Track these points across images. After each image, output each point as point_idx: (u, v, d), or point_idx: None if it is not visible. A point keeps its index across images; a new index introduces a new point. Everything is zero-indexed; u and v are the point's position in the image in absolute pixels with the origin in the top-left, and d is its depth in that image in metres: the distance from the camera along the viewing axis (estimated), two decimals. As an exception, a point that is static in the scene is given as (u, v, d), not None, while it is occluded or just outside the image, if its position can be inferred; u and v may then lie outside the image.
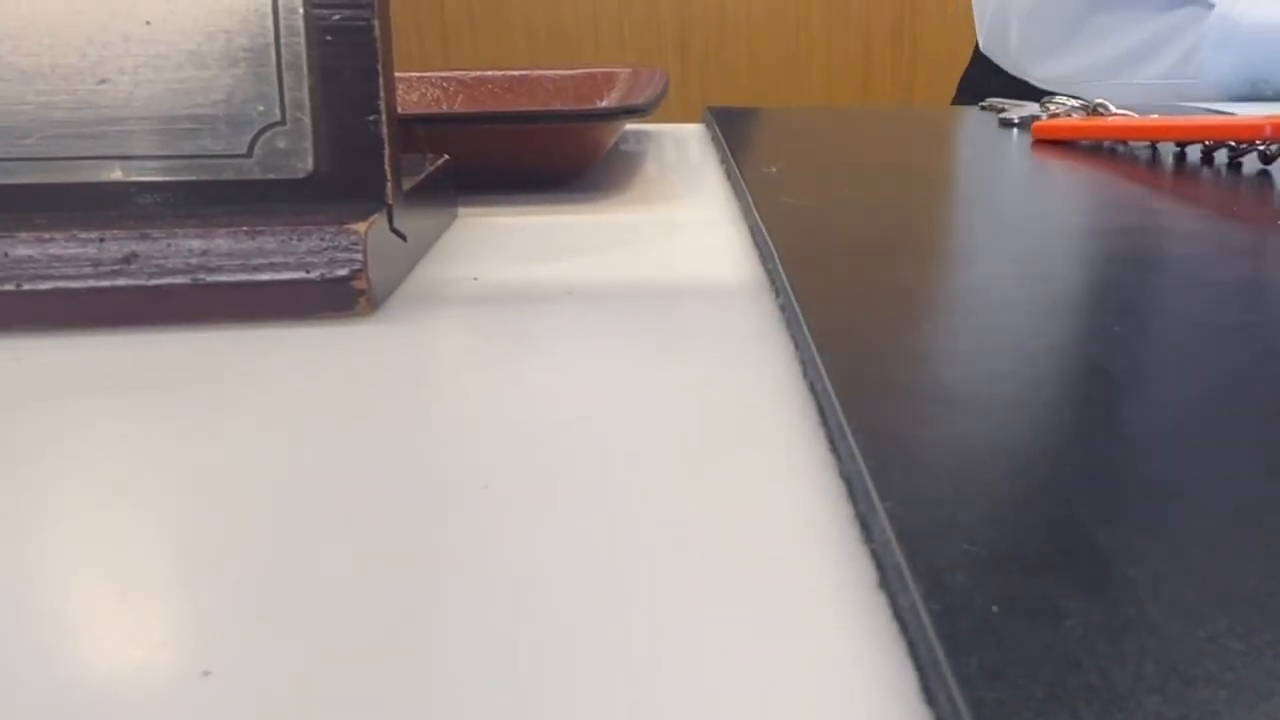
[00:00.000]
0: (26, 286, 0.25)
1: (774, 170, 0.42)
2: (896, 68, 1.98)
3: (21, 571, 0.15)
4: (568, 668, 0.13)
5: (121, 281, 0.25)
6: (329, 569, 0.15)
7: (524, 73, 0.57)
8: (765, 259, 0.30)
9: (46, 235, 0.25)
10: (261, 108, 0.27)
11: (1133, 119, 0.49)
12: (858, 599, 0.14)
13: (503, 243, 0.35)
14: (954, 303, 0.25)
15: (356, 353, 0.24)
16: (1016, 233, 0.33)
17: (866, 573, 0.14)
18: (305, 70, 0.27)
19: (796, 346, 0.23)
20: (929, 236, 0.33)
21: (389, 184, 0.28)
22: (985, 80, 0.94)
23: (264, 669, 0.13)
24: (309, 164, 0.27)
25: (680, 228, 0.38)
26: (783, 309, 0.26)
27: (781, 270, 0.26)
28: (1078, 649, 0.11)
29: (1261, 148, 0.42)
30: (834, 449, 0.18)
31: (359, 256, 0.26)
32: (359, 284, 0.26)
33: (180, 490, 0.18)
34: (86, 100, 0.27)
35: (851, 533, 0.16)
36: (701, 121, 0.64)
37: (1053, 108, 0.55)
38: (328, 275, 0.26)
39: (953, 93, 1.07)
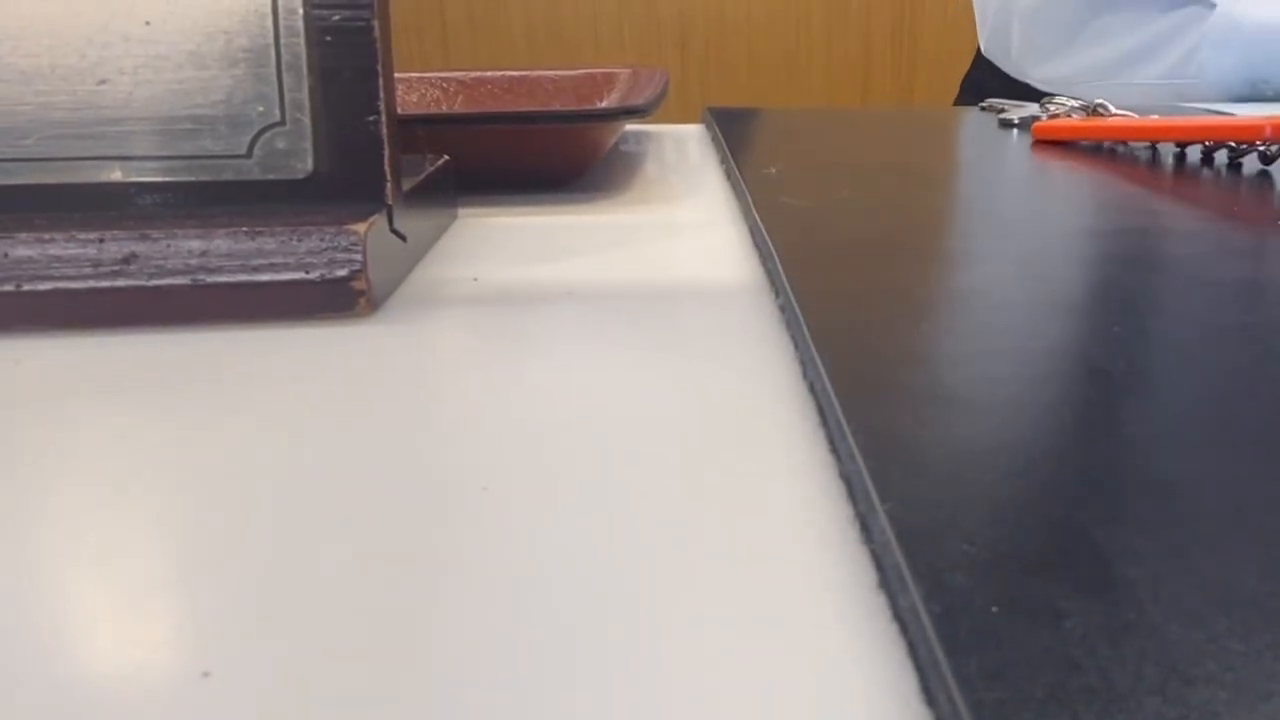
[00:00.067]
0: (26, 287, 0.25)
1: (774, 171, 0.42)
2: (896, 68, 1.98)
3: (21, 572, 0.15)
4: (568, 669, 0.13)
5: (121, 282, 0.25)
6: (329, 570, 0.15)
7: (524, 73, 0.57)
8: (765, 259, 0.30)
9: (46, 236, 0.25)
10: (261, 108, 0.27)
11: (1133, 120, 0.49)
12: (857, 600, 0.14)
13: (502, 243, 0.35)
14: (954, 303, 0.25)
15: (356, 353, 0.24)
16: (1016, 233, 0.33)
17: (866, 573, 0.14)
18: (305, 71, 0.27)
19: (796, 347, 0.23)
20: (929, 237, 0.33)
21: (389, 184, 0.28)
22: (988, 81, 0.94)
23: (264, 670, 0.13)
24: (309, 164, 0.27)
25: (680, 228, 0.38)
26: (782, 309, 0.26)
27: (781, 271, 0.26)
28: (1078, 650, 0.11)
29: (1261, 148, 0.42)
30: (834, 449, 0.18)
31: (359, 257, 0.26)
32: (358, 285, 0.26)
33: (180, 491, 0.18)
34: (86, 101, 0.27)
35: (851, 533, 0.16)
36: (701, 122, 0.64)
37: (1053, 108, 0.55)
38: (327, 276, 0.26)
39: (952, 93, 1.07)
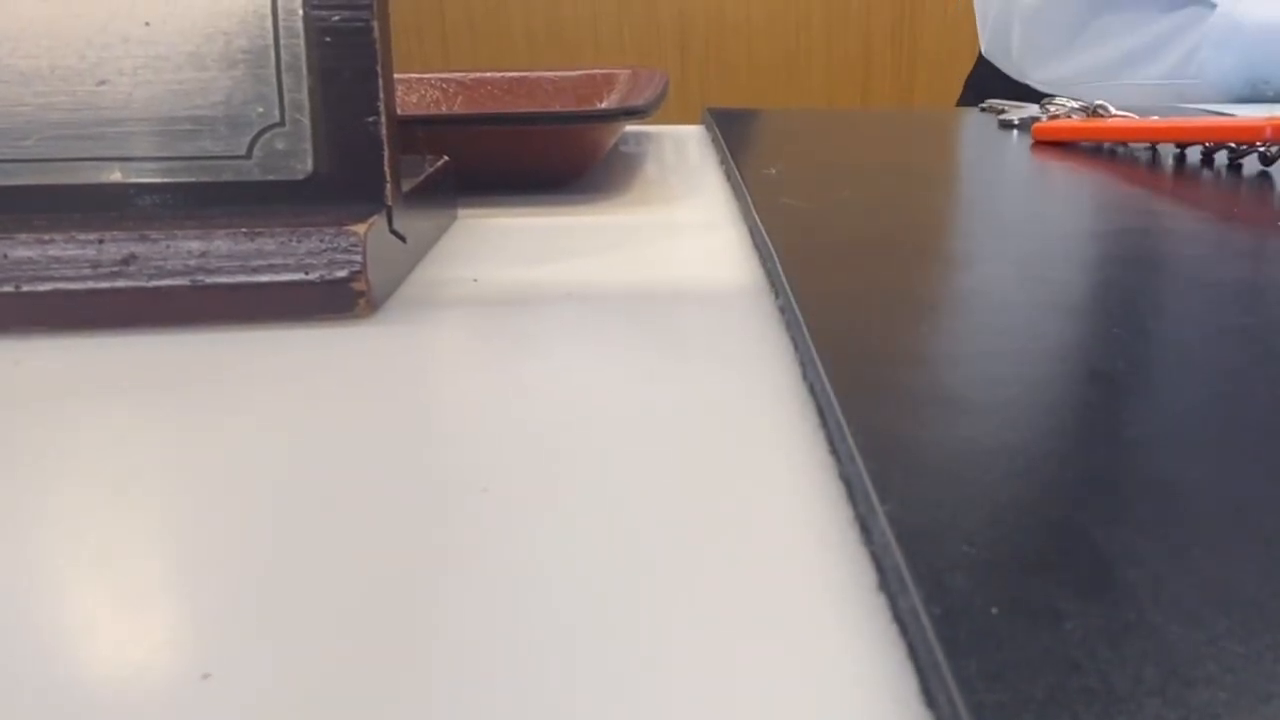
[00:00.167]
0: (25, 288, 0.25)
1: (774, 171, 0.42)
2: (896, 68, 1.98)
3: (21, 573, 0.15)
4: (568, 670, 0.13)
5: (121, 283, 0.25)
6: (329, 571, 0.15)
7: (523, 74, 0.57)
8: (765, 260, 0.30)
9: (46, 237, 0.25)
10: (261, 109, 0.27)
11: (1133, 120, 0.49)
12: (857, 601, 0.14)
13: (502, 244, 0.35)
14: (954, 304, 0.25)
15: (356, 354, 0.24)
16: (1016, 234, 0.33)
17: (866, 575, 0.14)
18: (304, 71, 0.27)
19: (796, 348, 0.23)
20: (928, 238, 0.33)
21: (388, 185, 0.28)
22: (990, 82, 0.94)
23: (264, 672, 0.13)
24: (308, 165, 0.27)
25: (680, 229, 0.38)
26: (782, 310, 0.26)
27: (781, 271, 0.26)
28: (1078, 651, 0.11)
29: (1261, 149, 0.42)
30: (833, 451, 0.18)
31: (358, 258, 0.26)
32: (358, 285, 0.26)
33: (180, 492, 0.18)
34: (86, 102, 0.27)
35: (851, 535, 0.16)
36: (701, 123, 0.64)
37: (1053, 109, 0.55)
38: (327, 277, 0.26)
39: (953, 93, 1.07)
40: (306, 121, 0.27)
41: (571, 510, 0.17)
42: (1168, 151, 0.46)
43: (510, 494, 0.17)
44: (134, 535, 0.16)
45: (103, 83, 0.27)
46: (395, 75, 0.29)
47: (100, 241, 0.25)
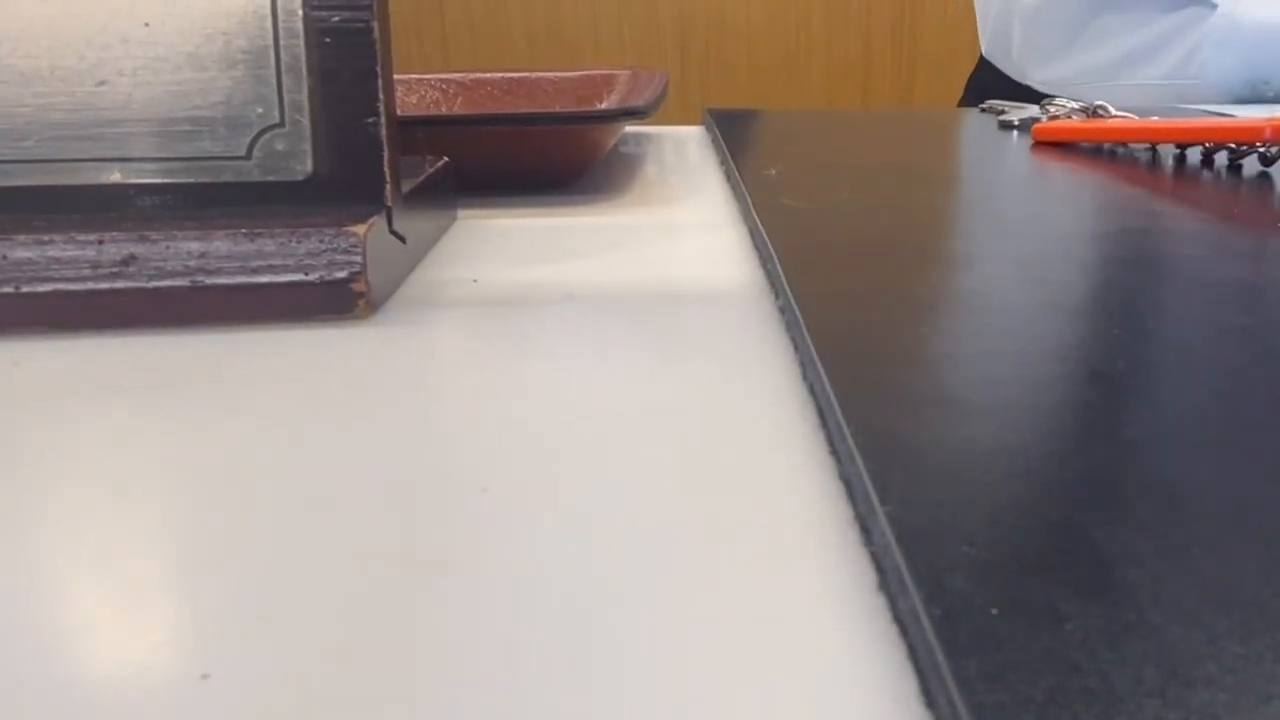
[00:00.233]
0: (25, 289, 0.25)
1: (773, 172, 0.42)
2: (896, 69, 1.98)
3: (21, 573, 0.15)
4: (568, 670, 0.13)
5: (120, 284, 0.25)
6: (328, 572, 0.15)
7: (523, 75, 0.57)
8: (765, 261, 0.30)
9: (45, 237, 0.25)
10: (260, 110, 0.27)
11: (1133, 121, 0.49)
12: (857, 601, 0.14)
13: (502, 245, 0.35)
14: (953, 305, 0.25)
15: (355, 355, 0.24)
16: (1016, 235, 0.33)
17: (866, 575, 0.14)
18: (304, 72, 0.27)
19: (796, 348, 0.23)
20: (928, 239, 0.33)
21: (388, 186, 0.28)
22: (992, 83, 0.94)
23: (263, 672, 0.13)
24: (308, 166, 0.27)
25: (680, 230, 0.38)
26: (782, 311, 0.26)
27: (781, 272, 0.26)
28: (1078, 652, 0.11)
29: (1261, 150, 0.42)
30: (833, 451, 0.18)
31: (358, 259, 0.26)
32: (358, 286, 0.26)
33: (179, 492, 0.18)
34: (85, 102, 0.27)
35: (851, 535, 0.16)
36: (701, 123, 0.64)
37: (1053, 110, 0.55)
38: (327, 277, 0.26)
39: (953, 93, 1.07)
40: (306, 122, 0.27)
41: (571, 510, 0.17)
42: (1168, 152, 0.46)
43: (510, 494, 0.17)
44: (134, 535, 0.16)
45: (102, 83, 0.27)
46: (395, 76, 0.29)
47: (100, 242, 0.25)
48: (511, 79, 0.57)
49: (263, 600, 0.14)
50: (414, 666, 0.13)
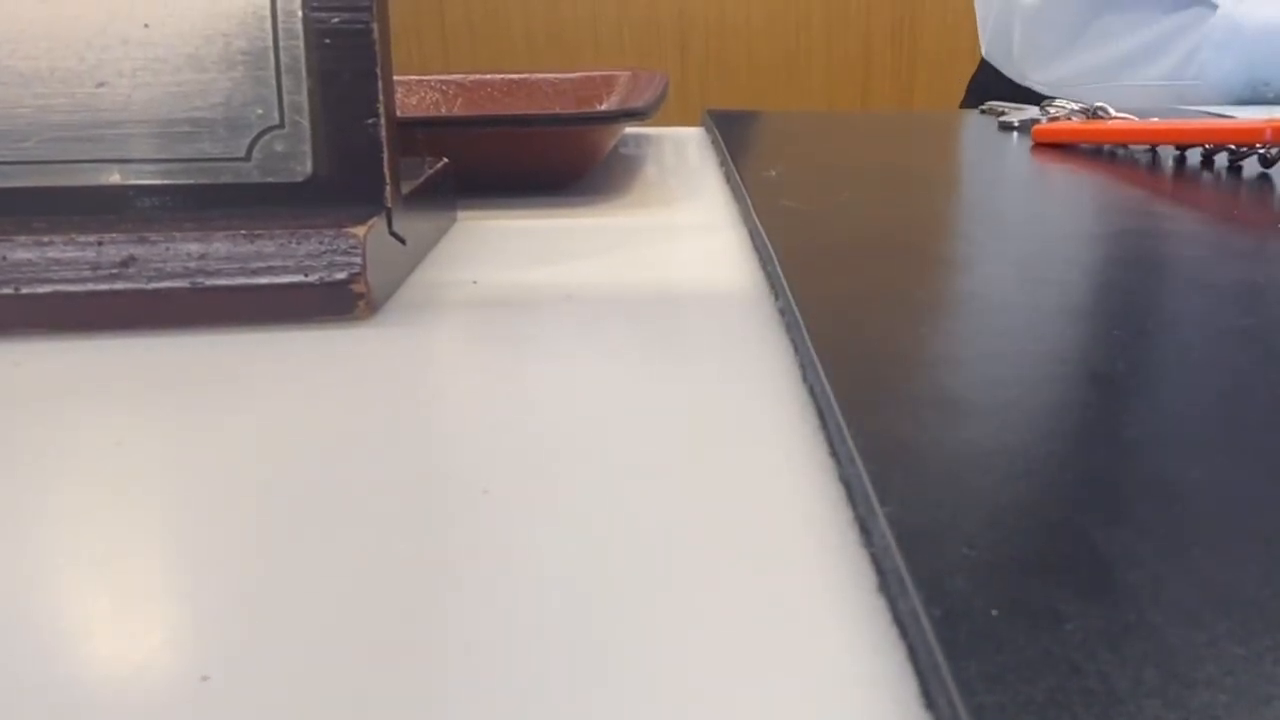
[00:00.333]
0: (25, 290, 0.25)
1: (773, 174, 0.42)
2: (896, 69, 1.98)
3: (20, 575, 0.15)
4: (568, 671, 0.13)
5: (120, 285, 0.25)
6: (328, 573, 0.15)
7: (523, 76, 0.57)
8: (765, 262, 0.30)
9: (45, 238, 0.25)
10: (260, 111, 0.27)
11: (1133, 122, 0.49)
12: (857, 603, 0.14)
13: (502, 246, 0.35)
14: (953, 306, 0.25)
15: (355, 356, 0.24)
16: (1016, 236, 0.33)
17: (866, 577, 0.14)
18: (304, 73, 0.27)
19: (796, 350, 0.23)
20: (928, 240, 0.33)
21: (388, 187, 0.28)
22: (993, 84, 0.94)
23: (263, 674, 0.13)
24: (308, 167, 0.27)
25: (680, 231, 0.38)
26: (782, 312, 0.26)
27: (781, 274, 0.26)
28: (1078, 653, 0.11)
29: (1261, 151, 0.42)
30: (833, 453, 0.18)
31: (358, 260, 0.26)
32: (358, 287, 0.26)
33: (179, 493, 0.18)
34: (85, 103, 0.27)
35: (851, 536, 0.16)
36: (701, 125, 0.64)
37: (1053, 111, 0.55)
38: (326, 279, 0.26)
39: (953, 94, 1.07)
40: (306, 123, 0.27)
41: (572, 512, 0.17)
42: (1168, 153, 0.46)
43: (510, 495, 0.17)
44: (134, 536, 0.16)
45: (102, 85, 0.27)
46: (395, 77, 0.29)
47: (99, 244, 0.25)
48: (511, 80, 0.57)
49: (263, 602, 0.14)
50: (414, 667, 0.13)
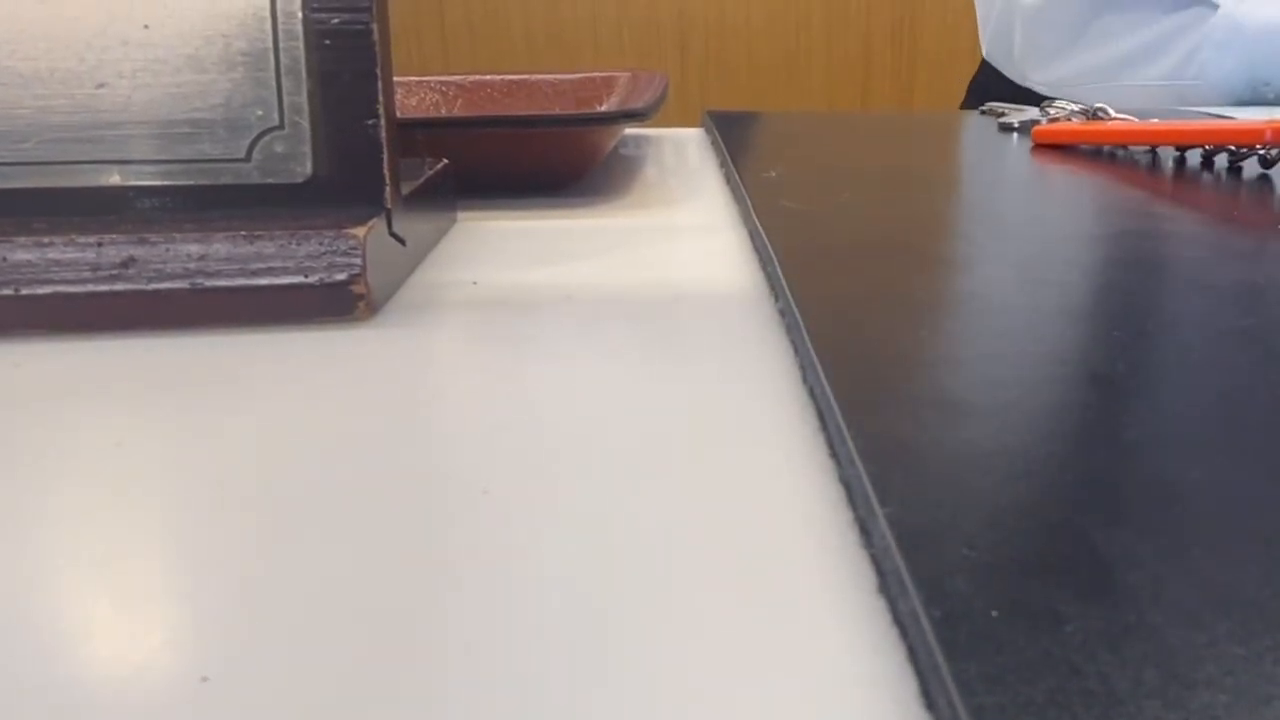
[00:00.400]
0: (25, 291, 0.25)
1: (773, 174, 0.42)
2: (896, 69, 1.98)
3: (20, 576, 0.15)
4: (568, 672, 0.13)
5: (120, 286, 0.25)
6: (328, 574, 0.15)
7: (523, 77, 0.57)
8: (765, 263, 0.30)
9: (45, 239, 0.25)
10: (260, 112, 0.27)
11: (1132, 123, 0.49)
12: (857, 604, 0.14)
13: (502, 247, 0.35)
14: (953, 307, 0.25)
15: (355, 357, 0.24)
16: (1016, 237, 0.33)
17: (866, 578, 0.14)
18: (304, 74, 0.27)
19: (796, 351, 0.23)
20: (928, 241, 0.33)
21: (388, 188, 0.28)
22: (994, 85, 0.94)
23: (262, 675, 0.13)
24: (307, 168, 0.27)
25: (679, 232, 0.38)
26: (782, 313, 0.26)
27: (781, 275, 0.26)
28: (1078, 654, 0.11)
29: (1261, 152, 0.42)
30: (833, 454, 0.18)
31: (358, 261, 0.26)
32: (358, 288, 0.26)
33: (179, 494, 0.18)
34: (85, 104, 0.27)
35: (851, 537, 0.16)
36: (701, 125, 0.64)
37: (1052, 112, 0.55)
38: (326, 280, 0.26)
39: (953, 94, 1.07)
40: (306, 124, 0.27)
41: (571, 512, 0.17)
42: (1168, 154, 0.46)
43: (510, 496, 0.17)
44: (133, 537, 0.16)
45: (102, 86, 0.27)
46: (394, 78, 0.29)
47: (99, 244, 0.25)
48: (511, 81, 0.57)
49: (262, 603, 0.14)
50: (414, 668, 0.13)
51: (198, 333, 0.25)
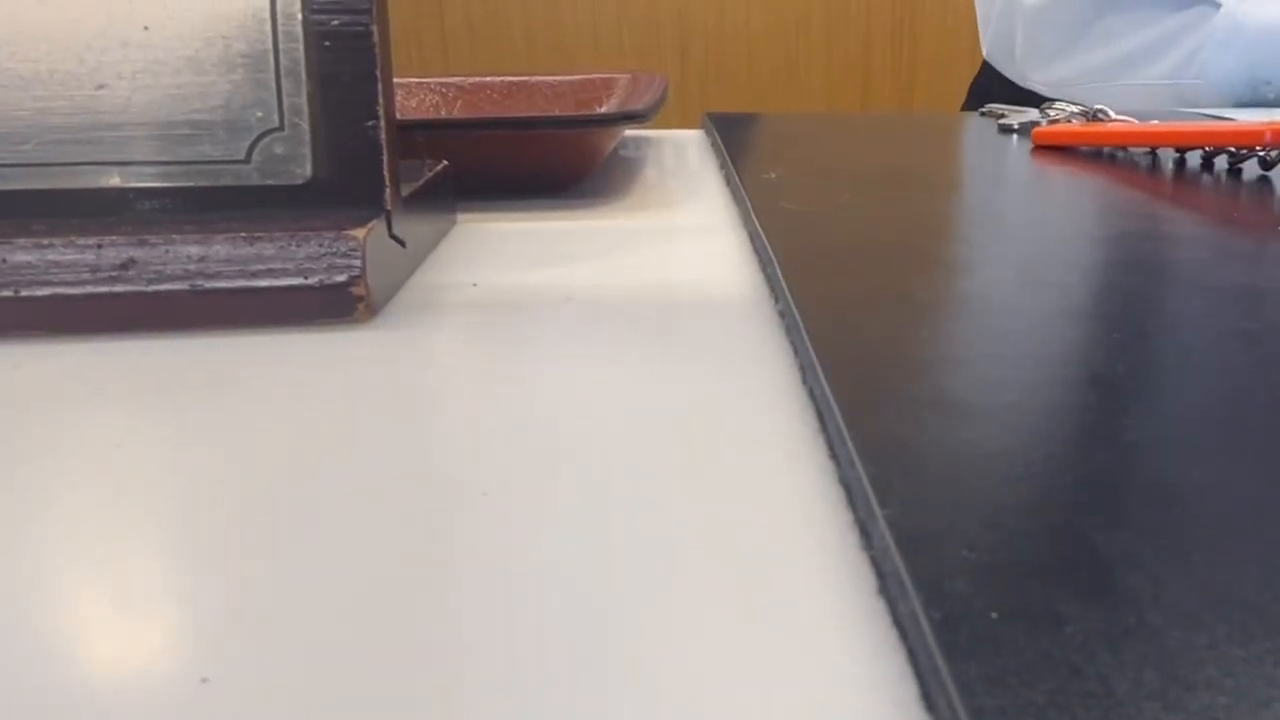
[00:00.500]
0: (24, 292, 0.25)
1: (773, 176, 0.42)
2: (896, 71, 1.98)
3: (20, 576, 0.15)
4: (568, 674, 0.13)
5: (120, 287, 0.25)
6: (328, 575, 0.15)
7: (523, 78, 0.57)
8: (764, 265, 0.30)
9: (45, 241, 0.25)
10: (260, 113, 0.27)
11: (1133, 124, 0.49)
12: (857, 605, 0.14)
13: (502, 249, 0.35)
14: (953, 309, 0.25)
15: (355, 359, 0.24)
16: (1016, 239, 0.33)
17: (866, 579, 0.14)
18: (304, 76, 0.27)
19: (796, 352, 0.23)
20: (928, 242, 0.33)
21: (388, 190, 0.28)
22: (995, 87, 0.94)
23: (262, 676, 0.13)
24: (307, 170, 0.27)
25: (679, 233, 0.38)
26: (782, 315, 0.26)
27: (781, 276, 0.26)
28: (1078, 655, 0.11)
29: (1261, 153, 0.42)
30: (833, 455, 0.18)
31: (357, 262, 0.26)
32: (357, 290, 0.26)
33: (178, 496, 0.18)
34: (84, 106, 0.27)
35: (851, 539, 0.16)
36: (701, 127, 0.64)
37: (1053, 113, 0.55)
38: (326, 281, 0.26)
39: (952, 95, 1.07)
40: (305, 126, 0.27)
41: (571, 514, 0.17)
42: (1167, 156, 0.46)
43: (510, 498, 0.17)
44: (133, 538, 0.16)
45: (101, 87, 0.27)
46: (394, 80, 0.29)
47: (99, 246, 0.25)
48: (511, 83, 0.57)
49: (262, 604, 0.14)
50: (414, 670, 0.13)
51: (197, 334, 0.25)
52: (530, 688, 0.12)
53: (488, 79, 0.57)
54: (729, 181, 0.45)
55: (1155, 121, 0.49)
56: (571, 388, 0.22)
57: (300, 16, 0.27)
